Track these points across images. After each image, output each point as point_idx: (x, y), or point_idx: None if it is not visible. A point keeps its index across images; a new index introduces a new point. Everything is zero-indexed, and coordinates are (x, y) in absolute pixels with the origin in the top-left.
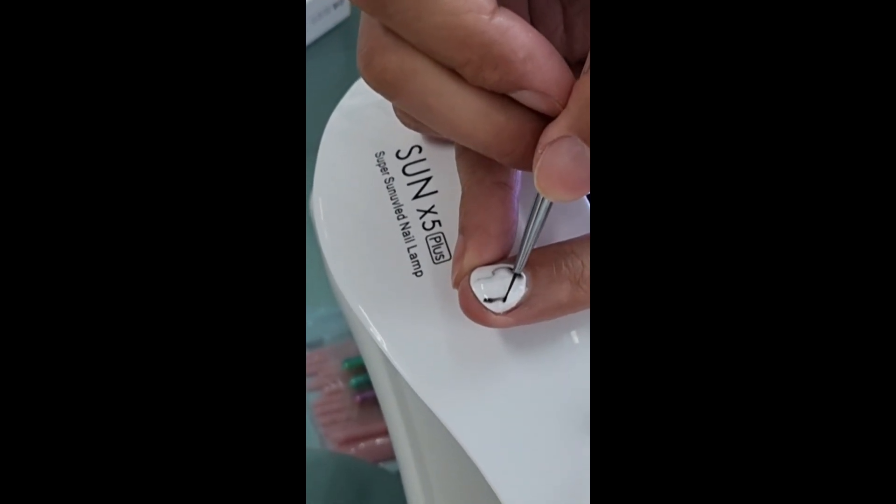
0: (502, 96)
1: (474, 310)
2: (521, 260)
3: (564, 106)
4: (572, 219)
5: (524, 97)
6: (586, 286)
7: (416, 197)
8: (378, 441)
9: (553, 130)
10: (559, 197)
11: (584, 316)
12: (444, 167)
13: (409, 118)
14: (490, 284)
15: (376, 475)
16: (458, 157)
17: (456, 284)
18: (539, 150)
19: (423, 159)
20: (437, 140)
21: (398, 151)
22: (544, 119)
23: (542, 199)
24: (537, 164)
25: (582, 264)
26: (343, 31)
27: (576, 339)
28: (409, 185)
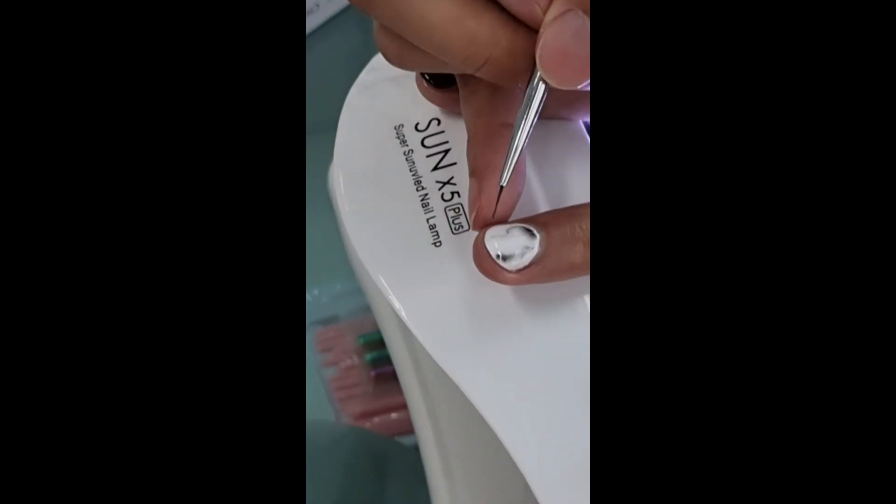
0: (473, 2)
1: (487, 266)
2: (510, 162)
3: (543, 6)
4: (587, 183)
5: None
6: None
7: (435, 168)
8: (393, 415)
9: (556, 5)
10: (563, 77)
11: None
12: (463, 139)
13: (400, 50)
14: (504, 242)
15: (393, 448)
16: (463, 104)
17: (476, 227)
18: (542, 29)
19: (442, 131)
20: (456, 113)
21: (417, 124)
22: (515, 24)
23: (536, 90)
24: (540, 43)
25: None
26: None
27: None
28: (427, 157)
